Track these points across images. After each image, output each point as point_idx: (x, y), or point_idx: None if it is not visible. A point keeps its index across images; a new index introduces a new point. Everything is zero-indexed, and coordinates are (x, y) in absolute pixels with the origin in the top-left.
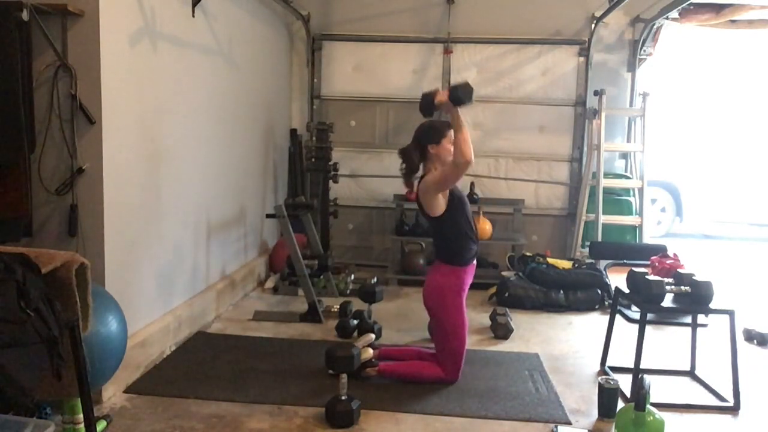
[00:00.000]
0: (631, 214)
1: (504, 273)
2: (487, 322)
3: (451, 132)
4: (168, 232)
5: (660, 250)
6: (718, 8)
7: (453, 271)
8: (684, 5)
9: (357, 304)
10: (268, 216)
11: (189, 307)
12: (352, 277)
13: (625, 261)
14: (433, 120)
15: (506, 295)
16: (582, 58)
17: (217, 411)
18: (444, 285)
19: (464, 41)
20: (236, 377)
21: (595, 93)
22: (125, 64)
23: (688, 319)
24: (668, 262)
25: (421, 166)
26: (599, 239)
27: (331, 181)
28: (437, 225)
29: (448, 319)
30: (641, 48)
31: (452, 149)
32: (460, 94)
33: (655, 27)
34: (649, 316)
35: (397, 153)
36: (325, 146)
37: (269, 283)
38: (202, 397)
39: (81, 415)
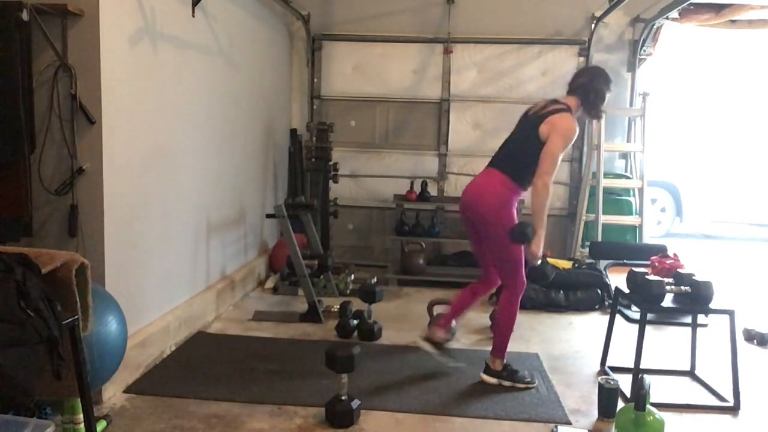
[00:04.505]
0: (631, 214)
1: None
2: (487, 322)
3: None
4: (168, 231)
5: (660, 250)
6: (718, 8)
7: (514, 188)
8: (684, 5)
9: (357, 304)
10: (268, 216)
11: (189, 307)
12: (352, 277)
13: (625, 261)
14: (601, 88)
15: None
16: (582, 58)
17: (217, 411)
18: (505, 194)
19: (464, 41)
20: (236, 377)
21: None
22: (125, 64)
23: (688, 319)
24: (668, 262)
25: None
26: (599, 239)
27: (331, 181)
28: (536, 147)
29: (505, 228)
30: (641, 48)
31: (574, 122)
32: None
33: (655, 27)
34: (649, 316)
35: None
36: (325, 146)
37: (269, 283)
38: (202, 397)
39: (81, 415)
